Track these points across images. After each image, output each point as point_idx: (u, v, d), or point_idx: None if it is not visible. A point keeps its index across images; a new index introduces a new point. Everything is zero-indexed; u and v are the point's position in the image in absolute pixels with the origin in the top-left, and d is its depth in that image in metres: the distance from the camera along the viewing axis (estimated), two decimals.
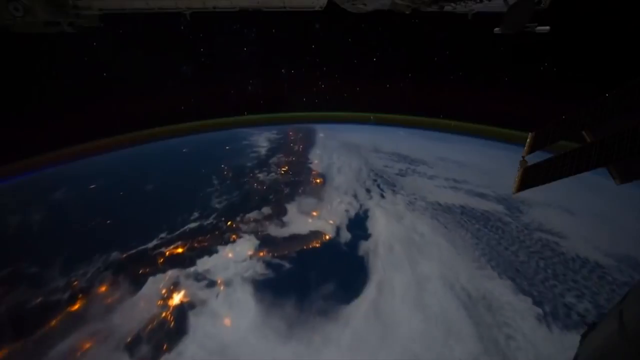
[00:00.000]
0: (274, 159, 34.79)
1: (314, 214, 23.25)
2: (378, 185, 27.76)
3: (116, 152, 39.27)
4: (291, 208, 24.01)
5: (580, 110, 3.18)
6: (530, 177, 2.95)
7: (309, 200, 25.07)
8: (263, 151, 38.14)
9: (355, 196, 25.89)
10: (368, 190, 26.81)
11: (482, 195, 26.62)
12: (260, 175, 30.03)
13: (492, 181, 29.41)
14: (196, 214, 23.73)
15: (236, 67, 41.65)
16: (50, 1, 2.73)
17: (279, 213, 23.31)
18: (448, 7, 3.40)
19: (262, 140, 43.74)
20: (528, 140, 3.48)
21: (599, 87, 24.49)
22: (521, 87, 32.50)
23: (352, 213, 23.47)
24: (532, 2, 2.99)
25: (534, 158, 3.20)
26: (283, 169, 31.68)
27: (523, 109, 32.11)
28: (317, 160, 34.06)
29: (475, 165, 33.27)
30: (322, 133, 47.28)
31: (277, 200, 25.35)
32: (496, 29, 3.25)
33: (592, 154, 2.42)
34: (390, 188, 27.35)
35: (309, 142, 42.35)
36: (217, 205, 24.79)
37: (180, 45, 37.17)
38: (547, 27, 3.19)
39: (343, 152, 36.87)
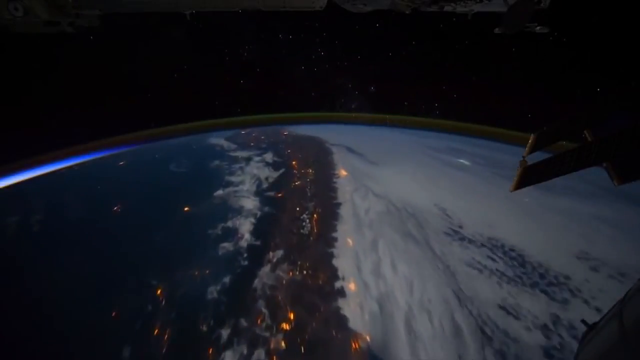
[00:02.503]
0: (265, 270, 17.92)
1: None
2: None
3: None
4: None
5: (581, 110, 3.14)
6: (528, 176, 2.90)
7: None
8: (246, 232, 21.09)
9: None
10: None
11: None
12: None
13: None
14: None
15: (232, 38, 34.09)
16: (50, 1, 2.65)
17: None
18: (448, 7, 3.21)
19: (248, 184, 26.71)
20: (530, 141, 3.45)
21: (599, 87, 22.67)
22: (526, 87, 28.51)
23: None
24: (532, 2, 2.89)
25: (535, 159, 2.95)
26: (285, 325, 14.81)
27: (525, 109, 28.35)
28: (352, 280, 17.23)
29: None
30: (344, 168, 29.99)
31: None
32: (496, 29, 3.08)
33: (591, 152, 2.38)
34: None
35: (327, 197, 25.23)
36: None
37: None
38: (547, 27, 3.08)
39: (394, 239, 19.94)
